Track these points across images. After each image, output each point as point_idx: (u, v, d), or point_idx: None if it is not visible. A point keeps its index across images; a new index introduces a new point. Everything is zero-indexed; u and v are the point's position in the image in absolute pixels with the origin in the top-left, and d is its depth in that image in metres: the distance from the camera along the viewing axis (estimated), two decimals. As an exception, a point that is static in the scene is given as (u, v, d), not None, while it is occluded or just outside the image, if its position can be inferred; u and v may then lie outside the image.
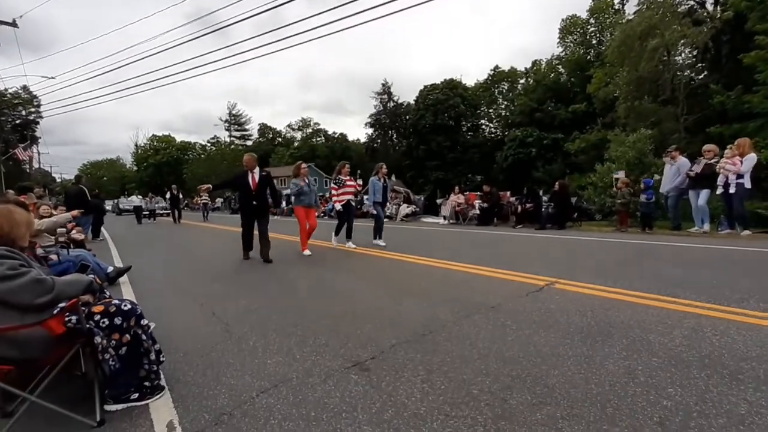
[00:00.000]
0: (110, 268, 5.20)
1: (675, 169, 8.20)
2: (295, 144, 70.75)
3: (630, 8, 27.66)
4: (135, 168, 66.46)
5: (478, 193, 18.96)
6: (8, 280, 1.69)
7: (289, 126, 77.90)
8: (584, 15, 39.49)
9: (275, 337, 2.85)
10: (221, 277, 5.26)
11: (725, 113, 18.01)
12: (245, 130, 73.94)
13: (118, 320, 1.92)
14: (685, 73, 22.86)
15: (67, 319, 1.73)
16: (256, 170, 6.19)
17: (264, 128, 78.00)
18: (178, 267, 6.36)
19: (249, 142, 74.10)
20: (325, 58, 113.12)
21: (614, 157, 14.11)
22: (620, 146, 14.33)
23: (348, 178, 7.37)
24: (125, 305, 1.98)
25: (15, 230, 1.91)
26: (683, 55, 22.71)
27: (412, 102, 55.77)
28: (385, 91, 60.33)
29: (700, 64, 24.51)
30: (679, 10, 21.79)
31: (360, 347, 2.59)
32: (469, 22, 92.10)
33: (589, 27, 40.25)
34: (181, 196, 21.02)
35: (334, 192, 7.37)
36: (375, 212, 7.89)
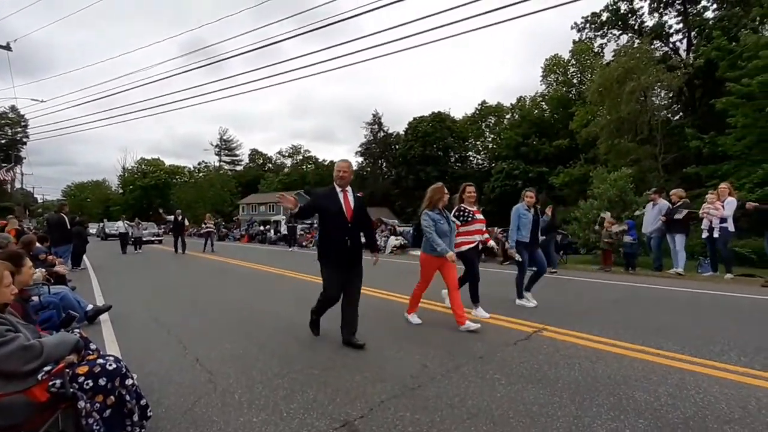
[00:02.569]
0: (89, 306, 5.05)
1: (656, 211, 8.49)
2: (285, 170, 71.04)
3: (608, 52, 29.30)
4: (121, 191, 65.61)
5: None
6: None
7: (279, 153, 78.47)
8: (566, 56, 41.55)
9: (261, 390, 2.78)
10: (205, 314, 5.15)
11: (701, 154, 18.86)
12: (235, 155, 74.18)
13: (102, 381, 1.87)
14: (662, 113, 24.04)
15: (51, 384, 1.69)
16: (350, 189, 3.84)
17: (254, 154, 78.36)
18: (162, 303, 6.20)
19: (239, 167, 74.20)
20: (316, 87, 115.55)
21: (597, 194, 14.57)
22: (602, 183, 14.83)
23: (475, 208, 5.07)
24: (110, 364, 1.94)
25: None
26: (659, 97, 23.95)
27: (402, 132, 56.98)
28: (376, 121, 61.62)
29: (675, 106, 25.87)
30: (654, 56, 23.15)
31: (349, 403, 2.55)
32: (456, 58, 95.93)
33: (570, 67, 42.27)
34: (186, 222, 17.72)
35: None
36: (519, 257, 5.27)
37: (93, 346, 2.38)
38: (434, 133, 50.94)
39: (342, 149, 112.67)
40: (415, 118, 53.35)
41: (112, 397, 1.88)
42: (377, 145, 61.97)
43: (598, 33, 30.97)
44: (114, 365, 1.94)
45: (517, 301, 5.52)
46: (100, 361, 1.94)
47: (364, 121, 64.68)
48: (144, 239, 19.08)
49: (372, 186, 60.22)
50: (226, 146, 72.44)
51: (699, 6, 25.21)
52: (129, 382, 1.98)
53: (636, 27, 28.60)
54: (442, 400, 2.57)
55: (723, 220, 7.32)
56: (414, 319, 4.64)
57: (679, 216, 7.92)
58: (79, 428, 1.74)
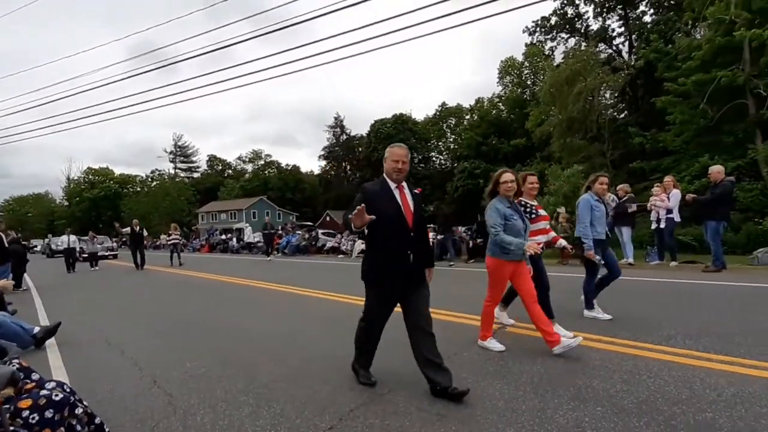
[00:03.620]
0: (36, 329, 4.66)
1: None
2: (246, 176, 69.12)
3: (558, 54, 30.80)
4: (66, 203, 61.27)
5: (431, 225, 19.49)
6: None
7: (239, 158, 76.21)
8: (520, 58, 43.24)
9: (225, 408, 2.67)
10: (164, 333, 4.89)
11: (644, 149, 20.18)
12: (192, 162, 71.38)
13: (49, 413, 1.73)
14: (608, 112, 25.53)
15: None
16: (405, 185, 2.94)
17: (213, 160, 75.64)
18: (116, 323, 5.82)
19: (196, 174, 71.40)
20: (274, 91, 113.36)
21: (552, 190, 15.24)
22: (557, 180, 15.54)
23: (536, 203, 4.21)
24: (56, 394, 1.79)
25: None
26: (605, 97, 25.43)
27: (364, 135, 57.07)
28: (338, 124, 61.34)
29: (620, 105, 27.56)
30: (599, 58, 24.57)
31: (317, 415, 2.50)
32: (416, 60, 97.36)
33: (524, 69, 44.02)
34: (145, 233, 15.91)
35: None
36: (599, 258, 4.40)
37: (35, 376, 2.19)
38: (397, 135, 51.29)
39: (304, 153, 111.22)
40: (377, 121, 53.58)
41: (62, 429, 1.74)
42: (340, 148, 61.69)
43: (548, 36, 32.52)
44: (60, 395, 1.79)
45: (586, 313, 4.52)
46: (44, 392, 1.79)
47: (326, 124, 64.25)
48: (99, 254, 16.99)
49: (337, 189, 59.86)
50: (181, 153, 69.53)
51: (638, 11, 27.04)
52: (79, 410, 1.84)
53: (582, 30, 30.26)
54: (412, 404, 2.58)
55: (669, 211, 7.87)
56: (494, 344, 3.59)
57: (632, 209, 8.44)
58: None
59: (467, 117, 55.00)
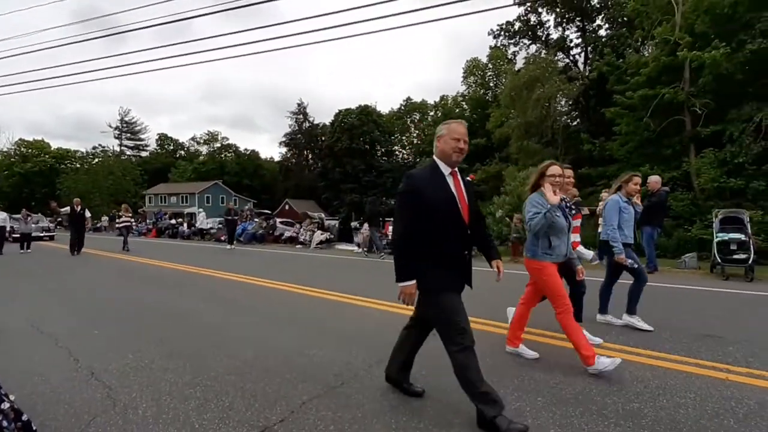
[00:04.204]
0: (-51, 317, 4.22)
1: (556, 207, 9.50)
2: (201, 158, 65.90)
3: (520, 59, 31.89)
4: (-8, 177, 55.42)
5: (392, 219, 19.68)
6: None
7: (193, 139, 72.41)
8: (484, 59, 44.34)
9: (169, 402, 2.57)
10: (105, 322, 4.59)
11: (593, 156, 21.47)
12: (140, 139, 66.90)
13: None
14: (563, 119, 26.89)
15: None
16: (457, 171, 2.54)
17: (163, 139, 71.35)
18: (49, 311, 5.38)
19: (144, 154, 67.11)
20: (234, 71, 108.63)
21: (508, 190, 15.86)
22: (513, 181, 16.19)
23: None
24: (-27, 392, 1.64)
25: None
26: (561, 104, 26.73)
27: (328, 124, 56.22)
28: (301, 111, 59.95)
29: (574, 113, 29.09)
30: (557, 66, 25.74)
31: (268, 408, 2.47)
32: (382, 53, 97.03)
33: (487, 71, 45.21)
34: (88, 214, 14.01)
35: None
36: (634, 264, 4.14)
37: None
38: (361, 126, 51.06)
39: (264, 138, 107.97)
40: (341, 111, 52.91)
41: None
42: (302, 135, 60.39)
43: (512, 41, 33.54)
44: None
45: (626, 318, 4.21)
46: (-41, 389, 1.62)
47: (288, 110, 62.55)
48: (33, 235, 15.21)
49: (297, 178, 58.68)
50: (128, 129, 64.96)
51: (595, 24, 28.54)
52: (5, 405, 1.69)
53: (543, 38, 31.50)
54: (365, 396, 2.61)
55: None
56: (527, 351, 3.31)
57: (584, 213, 8.96)
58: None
59: (431, 113, 55.75)
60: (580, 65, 30.19)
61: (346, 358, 3.29)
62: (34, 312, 5.12)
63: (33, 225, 15.60)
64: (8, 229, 13.94)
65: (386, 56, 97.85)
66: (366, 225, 12.90)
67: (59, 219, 24.58)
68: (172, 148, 71.30)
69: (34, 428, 1.87)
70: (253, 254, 13.08)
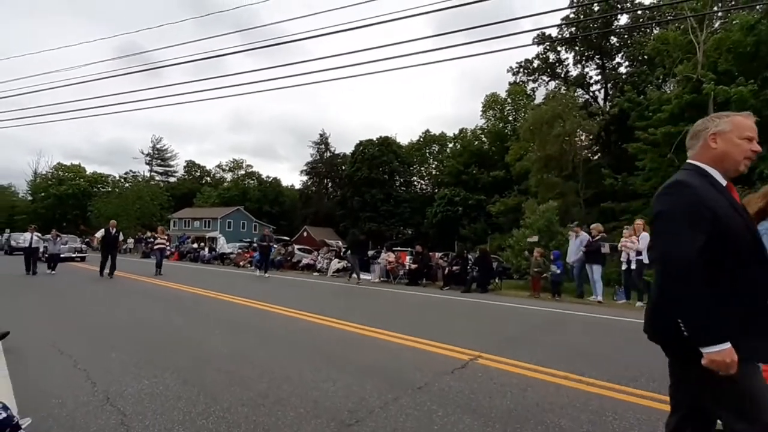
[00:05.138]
0: (-21, 335, 4.34)
1: (578, 243, 9.29)
2: (225, 185, 67.88)
3: (539, 95, 32.30)
4: (30, 198, 58.32)
5: (409, 249, 19.53)
6: None
7: (219, 166, 75.03)
8: (503, 94, 45.04)
9: (182, 432, 2.53)
10: (123, 346, 4.63)
11: (615, 191, 21.13)
12: (169, 165, 69.79)
13: (-17, 435, 1.58)
14: (583, 153, 26.75)
15: None
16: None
17: (191, 166, 74.21)
18: (70, 332, 5.48)
19: (173, 179, 69.68)
20: (259, 103, 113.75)
21: (528, 223, 15.64)
22: (533, 214, 15.98)
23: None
24: (-4, 414, 1.66)
25: None
26: (581, 138, 26.69)
27: (348, 154, 57.41)
28: (323, 141, 61.64)
29: (594, 147, 28.93)
30: (577, 102, 25.89)
31: (280, 444, 2.40)
32: (402, 87, 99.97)
33: (506, 105, 45.79)
34: (121, 237, 13.91)
35: None
36: None
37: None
38: (381, 157, 51.94)
39: (284, 166, 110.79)
40: (362, 141, 54.12)
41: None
42: (323, 164, 61.76)
43: (531, 77, 34.07)
44: (3, 414, 1.66)
45: None
46: (-17, 410, 1.65)
47: (310, 140, 64.44)
48: (62, 256, 14.96)
49: (316, 205, 59.52)
50: (159, 155, 67.96)
51: (614, 62, 28.84)
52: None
53: (562, 75, 31.93)
54: (380, 436, 2.51)
55: (638, 253, 8.18)
56: None
57: (605, 251, 8.73)
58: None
59: (450, 145, 56.36)
60: (600, 101, 30.32)
61: (360, 392, 3.19)
62: (56, 333, 5.22)
63: (62, 246, 15.49)
64: (41, 249, 13.81)
65: (406, 89, 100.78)
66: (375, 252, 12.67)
67: (87, 240, 25.04)
68: (198, 174, 73.95)
69: None
70: (275, 281, 13.12)
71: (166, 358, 4.15)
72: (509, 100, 44.75)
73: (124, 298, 8.63)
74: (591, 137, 26.51)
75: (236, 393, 3.17)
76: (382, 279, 12.64)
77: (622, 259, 8.61)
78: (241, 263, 18.96)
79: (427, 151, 59.06)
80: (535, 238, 12.42)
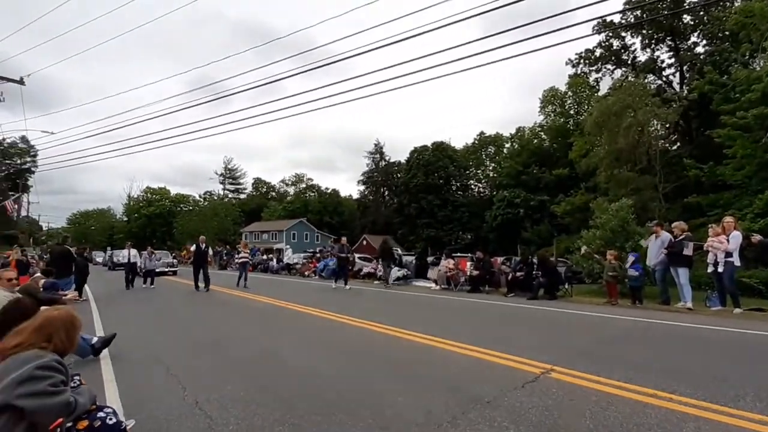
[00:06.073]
0: (95, 339, 4.98)
1: (659, 243, 8.46)
2: (288, 198, 71.61)
3: (604, 85, 30.13)
4: (125, 219, 65.97)
5: (469, 255, 19.10)
6: (47, 397, 1.72)
7: (282, 181, 79.47)
8: (563, 88, 42.67)
9: (263, 438, 2.70)
10: (208, 353, 5.06)
11: (701, 183, 18.99)
12: (239, 183, 75.20)
13: (101, 436, 1.83)
14: (660, 143, 24.38)
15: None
16: None
17: (258, 182, 79.37)
18: (164, 340, 6.11)
19: (242, 196, 74.93)
20: (316, 120, 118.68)
21: (599, 223, 14.56)
22: (603, 213, 14.85)
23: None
24: (110, 418, 1.91)
25: (72, 339, 2.03)
26: (656, 128, 24.39)
27: (404, 161, 57.78)
28: (378, 150, 62.69)
29: (672, 136, 26.29)
30: (649, 89, 23.75)
31: (353, 454, 2.46)
32: (454, 91, 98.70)
33: (567, 99, 43.30)
34: (210, 251, 14.43)
35: None
36: None
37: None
38: (436, 162, 51.64)
39: (341, 177, 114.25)
40: (416, 148, 54.25)
41: (111, 454, 1.83)
42: (379, 173, 62.74)
43: (593, 68, 31.92)
44: (114, 419, 1.90)
45: None
46: (101, 414, 1.90)
47: (365, 150, 65.77)
48: (157, 270, 16.06)
49: (374, 214, 60.53)
50: (230, 175, 73.49)
51: (689, 42, 26.11)
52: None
53: (629, 62, 29.52)
54: (450, 451, 2.48)
55: (728, 254, 7.27)
56: None
57: (687, 252, 7.88)
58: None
59: (507, 146, 54.50)
60: (676, 86, 27.57)
61: (428, 405, 3.18)
62: (153, 341, 5.84)
63: (157, 261, 16.35)
64: (140, 265, 14.89)
65: (457, 94, 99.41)
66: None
67: (189, 258, 27.00)
68: (264, 189, 78.87)
69: None
70: (343, 292, 13.52)
71: (246, 366, 4.46)
72: (570, 93, 42.32)
73: (212, 310, 9.32)
74: (667, 126, 24.11)
75: (309, 402, 3.31)
76: (443, 286, 12.48)
77: (708, 260, 7.68)
78: (306, 273, 19.79)
79: (483, 153, 57.64)
80: (585, 248, 11.59)
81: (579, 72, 34.12)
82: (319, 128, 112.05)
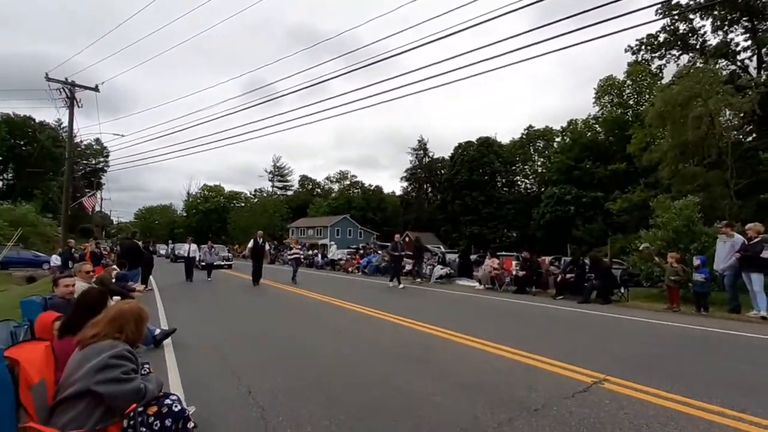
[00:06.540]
0: (157, 330, 5.42)
1: (729, 247, 7.73)
2: (333, 195, 73.22)
3: (668, 72, 27.81)
4: (185, 214, 70.75)
5: (515, 254, 18.52)
6: (120, 384, 1.92)
7: (327, 178, 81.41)
8: (620, 76, 39.93)
9: (309, 431, 2.81)
10: (260, 346, 5.35)
11: (781, 179, 17.07)
12: (287, 181, 78.09)
13: (168, 422, 2.00)
14: (732, 135, 22.15)
15: (125, 425, 1.84)
16: None
17: (304, 180, 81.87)
18: (220, 331, 6.51)
19: (290, 192, 77.70)
20: (361, 119, 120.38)
21: (659, 223, 13.53)
22: (665, 212, 13.77)
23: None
24: (176, 406, 2.08)
25: (141, 330, 2.25)
26: (729, 118, 22.16)
27: (447, 157, 56.99)
28: (421, 147, 62.31)
29: (747, 127, 23.77)
30: (720, 76, 21.61)
31: (397, 454, 2.50)
32: (500, 85, 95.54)
33: (625, 88, 40.48)
34: (267, 247, 14.69)
35: None
36: None
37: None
38: (481, 158, 50.46)
39: (385, 174, 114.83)
40: (461, 144, 53.32)
41: (175, 439, 2.00)
42: (422, 170, 62.37)
43: (656, 54, 29.54)
44: (179, 406, 2.07)
45: None
46: (168, 401, 2.08)
47: (409, 146, 65.68)
48: (215, 264, 16.71)
49: (417, 211, 60.30)
50: (279, 173, 76.45)
51: (770, 21, 23.43)
52: (191, 425, 2.10)
53: (698, 47, 27.02)
54: (495, 458, 2.45)
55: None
56: None
57: (766, 254, 7.13)
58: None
59: (557, 139, 52.05)
60: (752, 71, 24.85)
61: (472, 410, 3.15)
62: (210, 332, 6.25)
63: (215, 256, 17.13)
64: (198, 258, 15.61)
65: (504, 88, 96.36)
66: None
67: (244, 254, 28.04)
68: (310, 186, 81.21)
69: None
70: (387, 290, 13.68)
71: (294, 360, 4.65)
72: (629, 82, 39.53)
73: (264, 304, 9.81)
74: (741, 116, 21.79)
75: (353, 399, 3.40)
76: (487, 286, 12.22)
77: None
78: (349, 269, 20.18)
79: (531, 147, 55.44)
80: (646, 245, 10.70)
81: (639, 59, 31.71)
82: (364, 126, 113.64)
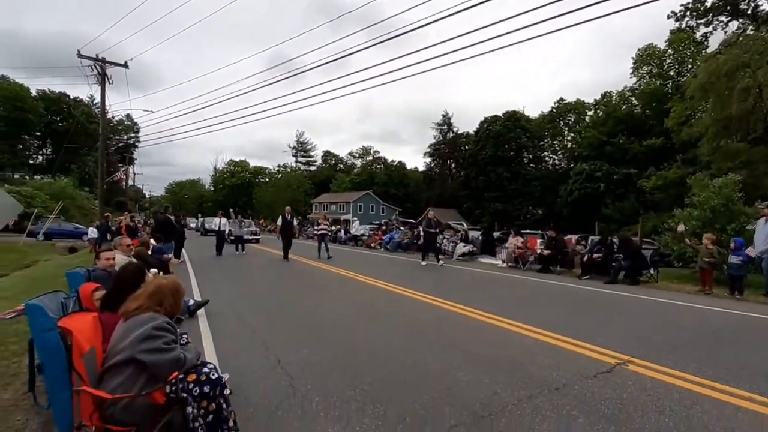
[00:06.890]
0: (191, 301, 5.71)
1: (770, 228, 7.35)
2: (356, 171, 73.26)
3: (714, 41, 25.78)
4: (212, 189, 72.72)
5: (539, 232, 18.18)
6: (161, 353, 2.08)
7: (350, 154, 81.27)
8: (661, 45, 37.40)
9: (335, 401, 2.95)
10: (287, 318, 5.57)
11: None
12: (310, 156, 78.47)
13: (206, 388, 2.14)
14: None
15: (168, 391, 1.99)
16: None
17: (327, 155, 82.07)
18: (250, 303, 6.80)
19: (313, 168, 78.24)
20: (383, 93, 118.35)
21: (696, 202, 12.92)
22: (703, 191, 13.12)
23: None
24: (213, 374, 2.22)
25: (178, 303, 2.37)
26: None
27: (472, 133, 55.67)
28: (445, 122, 60.98)
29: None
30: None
31: (417, 427, 2.60)
32: (530, 57, 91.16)
33: (666, 58, 37.98)
34: (295, 222, 14.73)
35: None
36: None
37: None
38: (507, 133, 49.04)
39: (408, 149, 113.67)
40: (486, 118, 51.82)
41: (213, 405, 2.15)
42: (446, 145, 61.28)
43: (702, 21, 27.30)
44: (216, 375, 2.21)
45: None
46: (205, 369, 2.22)
47: (433, 122, 64.40)
48: (244, 238, 16.70)
49: (440, 187, 59.69)
50: (302, 148, 76.87)
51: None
52: (227, 391, 2.24)
53: (749, 12, 24.76)
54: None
55: None
56: None
57: None
58: (187, 430, 2.02)
59: (590, 113, 49.81)
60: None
61: (492, 386, 3.22)
62: (240, 304, 6.52)
63: (244, 229, 17.02)
64: (227, 232, 15.79)
65: (533, 59, 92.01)
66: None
67: (271, 227, 28.35)
68: (333, 162, 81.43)
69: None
70: (408, 266, 13.82)
71: (319, 333, 4.83)
72: (670, 51, 37.02)
73: (292, 278, 10.04)
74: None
75: (377, 372, 3.52)
76: (510, 264, 12.13)
77: None
78: (371, 245, 20.40)
79: (561, 122, 53.29)
80: (682, 227, 10.20)
81: (683, 26, 29.45)
82: (387, 101, 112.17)
